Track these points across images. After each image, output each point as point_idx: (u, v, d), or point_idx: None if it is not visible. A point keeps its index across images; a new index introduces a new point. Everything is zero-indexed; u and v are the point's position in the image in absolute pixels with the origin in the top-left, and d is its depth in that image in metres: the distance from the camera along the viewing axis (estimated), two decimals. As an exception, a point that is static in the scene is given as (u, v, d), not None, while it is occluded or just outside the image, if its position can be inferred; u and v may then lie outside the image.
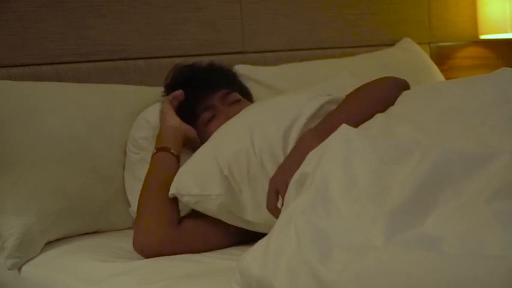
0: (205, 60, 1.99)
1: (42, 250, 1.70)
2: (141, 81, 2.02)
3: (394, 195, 1.13)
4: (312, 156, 1.31)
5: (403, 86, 1.59)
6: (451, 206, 1.09)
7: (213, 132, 1.74)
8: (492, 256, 0.96)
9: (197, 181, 1.56)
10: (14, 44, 1.99)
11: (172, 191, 1.58)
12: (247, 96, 1.93)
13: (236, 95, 1.85)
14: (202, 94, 1.82)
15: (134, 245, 1.57)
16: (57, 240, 1.75)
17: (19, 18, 1.99)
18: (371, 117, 1.48)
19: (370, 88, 1.58)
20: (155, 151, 1.71)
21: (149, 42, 2.19)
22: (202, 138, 1.77)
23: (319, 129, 1.47)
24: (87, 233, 1.80)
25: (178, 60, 1.99)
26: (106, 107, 1.90)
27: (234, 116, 1.74)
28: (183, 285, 1.36)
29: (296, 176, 1.32)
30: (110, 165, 1.85)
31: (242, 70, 2.23)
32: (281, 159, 1.50)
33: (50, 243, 1.72)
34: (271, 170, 1.50)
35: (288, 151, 1.50)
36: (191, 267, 1.46)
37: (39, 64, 2.02)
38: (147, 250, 1.55)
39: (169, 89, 1.88)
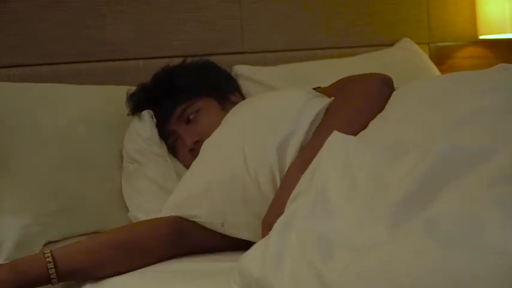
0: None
1: (41, 251, 1.69)
2: (141, 82, 2.01)
3: (394, 192, 1.13)
4: (306, 173, 1.30)
5: (389, 83, 1.55)
6: (451, 195, 1.09)
7: (183, 155, 1.79)
8: (493, 252, 0.96)
9: (191, 205, 1.53)
10: (14, 44, 1.99)
11: (172, 213, 1.54)
12: (207, 91, 1.86)
13: (193, 107, 1.81)
14: (160, 122, 1.82)
15: None
16: (56, 241, 1.74)
17: (19, 18, 1.99)
18: (363, 128, 1.43)
19: (355, 95, 1.51)
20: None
21: (149, 42, 2.19)
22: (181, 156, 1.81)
23: (305, 160, 1.40)
24: (86, 234, 1.80)
25: (178, 60, 1.98)
26: (105, 108, 1.90)
27: (198, 138, 1.75)
28: (182, 285, 1.36)
29: (292, 195, 1.32)
30: (109, 166, 1.85)
31: (242, 70, 2.23)
32: (277, 178, 1.46)
33: (49, 244, 1.72)
34: (269, 189, 1.47)
35: (286, 167, 1.46)
36: (191, 267, 1.46)
37: (38, 64, 2.02)
38: None
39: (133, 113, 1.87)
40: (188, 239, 1.51)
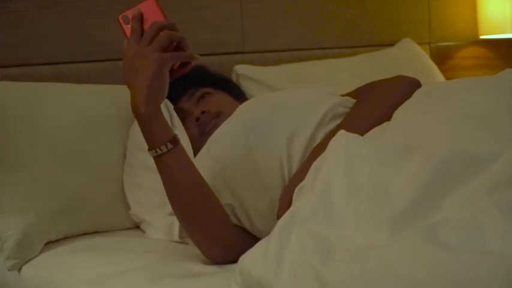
0: (204, 60, 1.99)
1: (42, 250, 1.69)
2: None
3: (397, 199, 1.13)
4: (313, 166, 1.31)
5: (417, 86, 1.53)
6: (453, 201, 1.09)
7: (188, 128, 1.78)
8: (491, 254, 0.96)
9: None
10: (14, 44, 1.99)
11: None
12: (221, 87, 1.91)
13: (203, 90, 1.84)
14: (174, 99, 1.84)
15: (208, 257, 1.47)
16: (57, 240, 1.74)
17: (19, 18, 1.99)
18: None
19: (384, 95, 1.51)
20: (164, 148, 1.38)
21: (149, 42, 2.18)
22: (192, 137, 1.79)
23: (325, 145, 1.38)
24: (87, 233, 1.80)
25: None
26: (106, 107, 1.90)
27: (205, 109, 1.77)
28: (183, 285, 1.36)
29: (298, 187, 1.32)
30: (110, 166, 1.85)
31: (242, 70, 2.23)
32: (285, 169, 1.47)
33: (49, 243, 1.72)
34: (276, 181, 1.47)
35: (294, 161, 1.46)
36: (191, 266, 1.46)
37: (38, 64, 2.02)
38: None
39: None
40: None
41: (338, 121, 1.51)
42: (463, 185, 1.11)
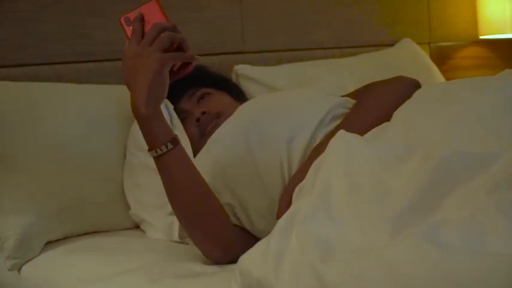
0: (204, 60, 1.99)
1: (42, 250, 1.69)
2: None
3: (397, 199, 1.13)
4: (313, 166, 1.31)
5: (417, 86, 1.53)
6: (453, 201, 1.09)
7: (188, 128, 1.79)
8: (491, 254, 0.96)
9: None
10: (14, 44, 1.99)
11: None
12: (221, 87, 1.91)
13: (203, 91, 1.85)
14: (174, 100, 1.84)
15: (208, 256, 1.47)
16: (57, 240, 1.75)
17: (19, 18, 1.99)
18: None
19: (384, 95, 1.51)
20: (164, 148, 1.37)
21: (149, 42, 2.18)
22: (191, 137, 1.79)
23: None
24: (87, 233, 1.80)
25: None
26: (106, 107, 1.90)
27: (205, 109, 1.78)
28: (183, 285, 1.37)
29: (298, 187, 1.32)
30: (110, 166, 1.85)
31: (242, 70, 2.23)
32: (285, 169, 1.47)
33: (49, 243, 1.72)
34: (276, 182, 1.47)
35: (294, 161, 1.46)
36: (191, 266, 1.46)
37: (39, 64, 2.02)
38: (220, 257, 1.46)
39: None
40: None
41: (338, 122, 1.51)
42: (463, 185, 1.11)
